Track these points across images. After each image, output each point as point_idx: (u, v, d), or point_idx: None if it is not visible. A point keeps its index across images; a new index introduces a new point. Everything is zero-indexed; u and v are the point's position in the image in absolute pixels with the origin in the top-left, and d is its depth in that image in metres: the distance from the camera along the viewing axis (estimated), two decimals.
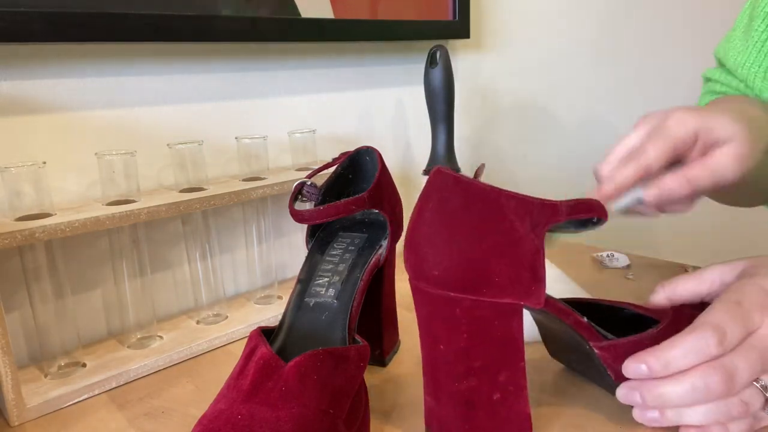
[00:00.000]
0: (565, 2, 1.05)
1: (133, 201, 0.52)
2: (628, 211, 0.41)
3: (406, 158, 0.84)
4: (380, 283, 0.49)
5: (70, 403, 0.47)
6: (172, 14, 0.56)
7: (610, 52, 1.15)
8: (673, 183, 0.38)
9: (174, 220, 0.61)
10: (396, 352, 0.52)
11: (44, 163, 0.47)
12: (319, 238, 0.50)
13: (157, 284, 0.61)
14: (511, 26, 0.95)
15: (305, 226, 0.50)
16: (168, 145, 0.57)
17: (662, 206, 0.40)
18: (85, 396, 0.47)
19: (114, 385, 0.49)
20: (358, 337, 0.42)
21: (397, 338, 0.53)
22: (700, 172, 0.38)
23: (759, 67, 0.53)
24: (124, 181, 0.52)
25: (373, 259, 0.47)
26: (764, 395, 0.34)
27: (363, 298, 0.45)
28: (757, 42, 0.54)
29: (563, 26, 1.06)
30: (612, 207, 0.39)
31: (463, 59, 0.89)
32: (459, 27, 0.83)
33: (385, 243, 0.48)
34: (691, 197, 0.41)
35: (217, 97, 0.64)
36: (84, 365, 0.51)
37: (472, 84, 0.91)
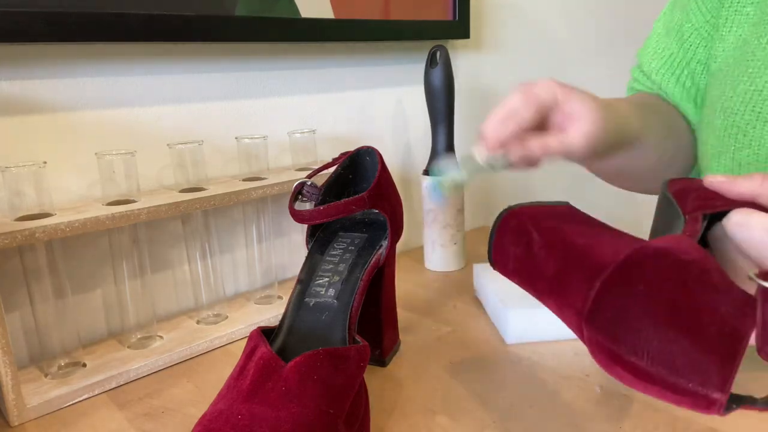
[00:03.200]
0: (565, 2, 1.05)
1: (133, 201, 0.52)
2: (495, 165, 0.43)
3: (406, 158, 0.84)
4: (380, 283, 0.49)
5: (70, 403, 0.47)
6: (172, 14, 0.56)
7: (609, 51, 1.15)
8: (534, 147, 0.43)
9: (174, 220, 0.61)
10: (396, 352, 0.52)
11: (45, 163, 0.47)
12: (319, 238, 0.50)
13: (157, 284, 0.61)
14: (511, 26, 0.95)
15: (305, 226, 0.50)
16: (168, 145, 0.57)
17: (522, 164, 0.44)
18: (85, 396, 0.47)
19: (114, 385, 0.49)
20: (358, 337, 0.42)
21: (397, 338, 0.53)
22: (555, 143, 0.43)
23: (671, 75, 0.61)
24: (124, 181, 0.52)
25: (373, 259, 0.47)
26: None
27: (363, 298, 0.45)
28: (669, 56, 0.61)
29: (563, 26, 1.06)
30: (485, 159, 0.43)
31: (463, 59, 0.89)
32: (459, 27, 0.83)
33: (385, 243, 0.48)
34: (544, 160, 0.45)
35: (217, 97, 0.64)
36: (84, 365, 0.51)
37: (472, 84, 0.91)
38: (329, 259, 0.48)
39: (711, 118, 0.54)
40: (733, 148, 0.51)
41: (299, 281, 0.46)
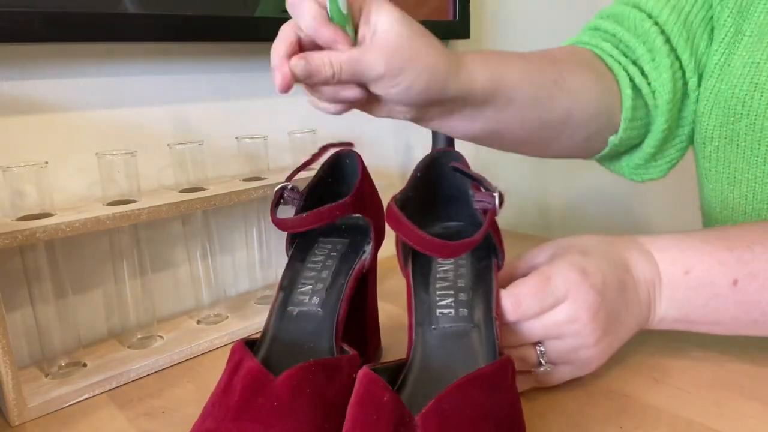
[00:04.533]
0: (566, 3, 1.05)
1: (134, 201, 0.52)
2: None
3: (406, 158, 0.84)
4: (364, 290, 0.47)
5: (71, 402, 0.47)
6: (172, 14, 0.56)
7: None
8: (316, 60, 0.38)
9: (174, 220, 0.61)
10: (379, 358, 0.51)
11: (46, 163, 0.47)
12: (299, 244, 0.48)
13: (157, 284, 0.61)
14: (511, 27, 0.95)
15: None
16: (168, 145, 0.57)
17: (312, 85, 0.40)
18: (86, 396, 0.47)
19: (114, 385, 0.49)
20: (345, 347, 0.40)
21: (380, 344, 0.52)
22: (346, 59, 0.38)
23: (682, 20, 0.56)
24: (124, 181, 0.52)
25: (358, 265, 0.45)
26: (538, 356, 0.41)
27: (348, 306, 0.43)
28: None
29: (563, 27, 1.06)
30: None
31: None
32: (459, 27, 0.83)
33: (368, 248, 0.47)
34: (340, 88, 0.40)
35: (217, 97, 0.64)
36: (84, 365, 0.51)
37: None
38: (311, 266, 0.46)
39: (718, 88, 0.54)
40: (732, 118, 0.52)
41: (281, 289, 0.44)
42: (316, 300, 0.43)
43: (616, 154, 0.62)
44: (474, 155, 0.93)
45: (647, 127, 0.57)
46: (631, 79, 0.55)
